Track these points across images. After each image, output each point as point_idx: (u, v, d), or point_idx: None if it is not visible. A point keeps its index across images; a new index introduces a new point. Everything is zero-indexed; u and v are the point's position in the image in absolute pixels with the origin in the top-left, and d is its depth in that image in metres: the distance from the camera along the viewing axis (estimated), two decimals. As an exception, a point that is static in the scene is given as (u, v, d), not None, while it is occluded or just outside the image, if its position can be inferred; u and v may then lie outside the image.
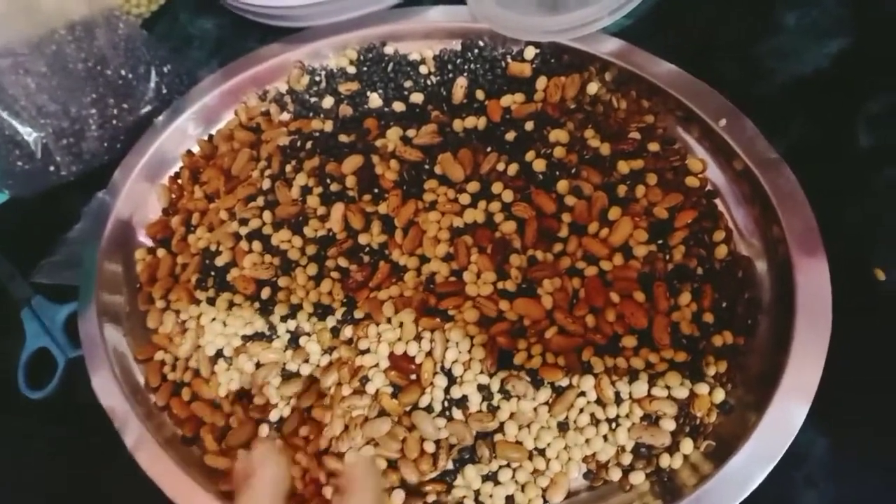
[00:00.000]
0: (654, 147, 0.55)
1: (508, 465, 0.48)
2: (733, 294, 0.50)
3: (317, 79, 0.66)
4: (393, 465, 0.49)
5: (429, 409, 0.49)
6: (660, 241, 0.51)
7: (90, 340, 0.56)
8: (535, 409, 0.48)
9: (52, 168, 0.65)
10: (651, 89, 0.56)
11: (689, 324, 0.48)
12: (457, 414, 0.49)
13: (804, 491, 0.47)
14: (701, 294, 0.49)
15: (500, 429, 0.48)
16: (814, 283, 0.47)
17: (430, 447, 0.48)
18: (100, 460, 0.55)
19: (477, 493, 0.48)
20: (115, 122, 0.67)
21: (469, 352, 0.49)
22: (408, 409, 0.49)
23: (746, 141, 0.52)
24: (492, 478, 0.48)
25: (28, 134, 0.63)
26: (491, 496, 0.48)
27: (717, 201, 0.54)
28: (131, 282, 0.62)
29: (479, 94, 0.61)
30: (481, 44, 0.63)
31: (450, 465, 0.48)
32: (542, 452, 0.48)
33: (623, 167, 0.53)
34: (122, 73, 0.66)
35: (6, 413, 0.62)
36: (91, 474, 0.57)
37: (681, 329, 0.48)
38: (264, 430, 0.52)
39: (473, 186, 0.54)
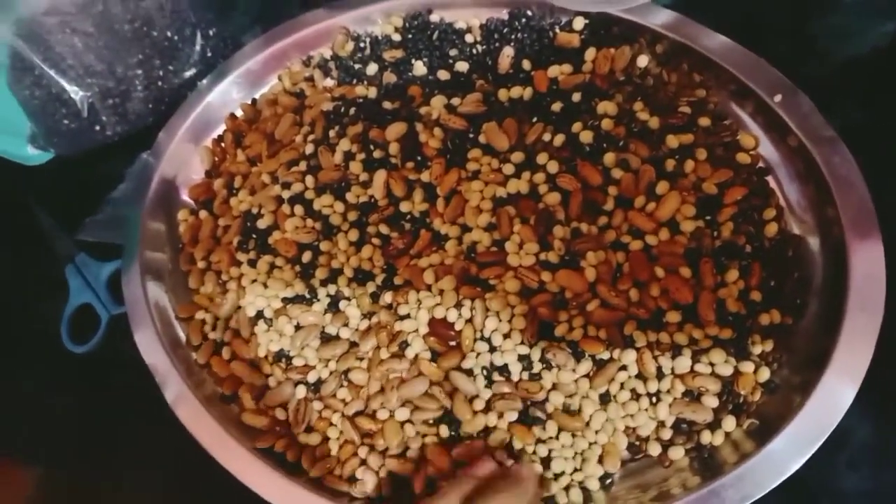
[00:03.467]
0: (704, 122, 0.54)
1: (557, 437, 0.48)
2: (782, 273, 0.49)
3: (361, 45, 0.66)
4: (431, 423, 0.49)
5: (469, 373, 0.49)
6: (708, 217, 0.50)
7: (133, 298, 0.57)
8: (575, 381, 0.48)
9: (97, 127, 0.66)
10: (703, 63, 0.55)
11: (736, 301, 0.47)
12: (498, 380, 0.48)
13: (846, 475, 0.47)
14: (749, 272, 0.48)
15: (547, 400, 0.48)
16: (867, 265, 0.46)
17: (479, 405, 0.48)
18: (140, 415, 0.56)
19: (532, 454, 0.48)
20: (159, 83, 0.67)
21: (509, 321, 0.49)
22: (446, 374, 0.49)
23: (802, 117, 0.51)
24: (546, 443, 0.48)
25: (74, 93, 0.64)
26: (549, 461, 0.48)
27: (769, 178, 0.53)
28: (174, 241, 0.62)
29: (526, 64, 0.60)
30: (529, 13, 0.62)
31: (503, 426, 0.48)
32: (587, 424, 0.48)
33: (672, 141, 0.52)
34: (168, 34, 0.66)
35: (50, 366, 0.63)
36: (131, 428, 0.58)
37: (727, 306, 0.47)
38: (301, 391, 0.52)
39: (518, 156, 0.54)
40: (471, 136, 0.56)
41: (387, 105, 0.60)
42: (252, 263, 0.57)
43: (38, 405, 0.62)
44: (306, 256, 0.55)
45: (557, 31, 0.61)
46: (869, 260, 0.46)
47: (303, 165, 0.58)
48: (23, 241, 0.69)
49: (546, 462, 0.48)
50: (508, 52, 0.60)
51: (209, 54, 0.69)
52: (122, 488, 0.58)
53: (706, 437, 0.46)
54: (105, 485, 0.58)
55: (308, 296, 0.55)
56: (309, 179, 0.57)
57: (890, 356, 0.43)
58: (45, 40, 0.62)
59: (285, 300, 0.55)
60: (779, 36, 0.59)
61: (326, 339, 0.53)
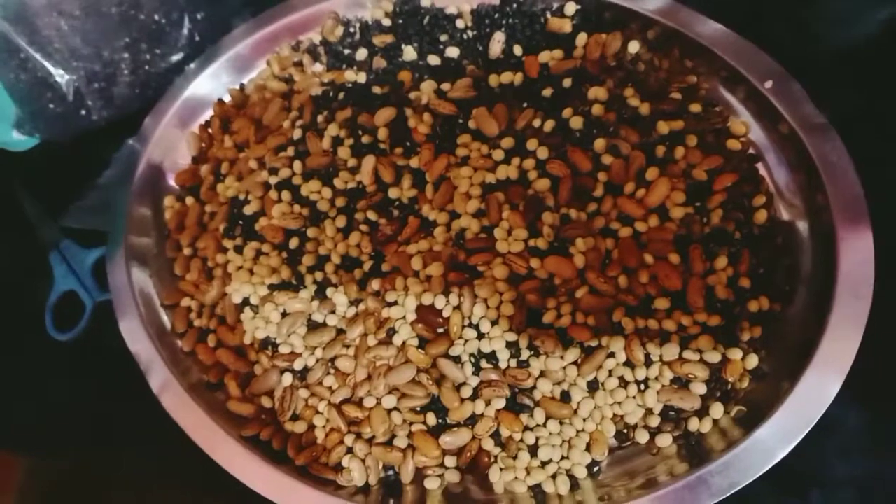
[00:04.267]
0: (695, 108, 0.53)
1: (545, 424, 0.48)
2: (772, 260, 0.49)
3: (351, 30, 0.65)
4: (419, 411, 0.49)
5: (456, 360, 0.48)
6: (697, 204, 0.49)
7: (118, 285, 0.56)
8: (563, 369, 0.47)
9: (83, 112, 0.65)
10: (695, 49, 0.55)
11: (725, 288, 0.47)
12: (485, 368, 0.48)
13: (834, 462, 0.47)
14: (738, 258, 0.48)
15: (535, 387, 0.48)
16: (857, 252, 0.45)
17: (466, 392, 0.48)
18: (124, 403, 0.55)
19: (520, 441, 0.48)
20: (147, 67, 0.66)
21: (497, 308, 0.49)
22: (434, 361, 0.49)
23: (793, 104, 0.50)
24: (533, 431, 0.48)
25: (60, 76, 0.63)
26: (537, 449, 0.47)
27: (760, 165, 0.52)
28: (160, 227, 0.61)
29: (517, 50, 0.59)
30: (520, -1, 0.61)
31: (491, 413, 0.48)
32: (574, 412, 0.47)
33: (662, 127, 0.51)
34: (156, 18, 0.66)
35: (35, 354, 0.63)
36: (115, 416, 0.57)
37: (716, 293, 0.47)
38: (287, 378, 0.52)
39: (507, 142, 0.53)
40: (460, 121, 0.55)
41: (376, 90, 0.59)
42: (238, 250, 0.56)
43: (23, 393, 0.61)
44: (293, 243, 0.55)
45: (549, 16, 0.60)
46: (858, 247, 0.45)
47: (290, 151, 0.58)
48: (7, 227, 0.68)
49: (533, 450, 0.47)
50: (499, 37, 0.60)
51: (197, 38, 0.69)
52: (111, 474, 0.57)
53: (694, 424, 0.46)
54: (95, 472, 0.58)
55: (295, 282, 0.54)
56: (297, 165, 0.56)
57: (878, 343, 0.43)
58: (32, 23, 0.61)
59: (272, 287, 0.54)
60: (772, 22, 0.58)
61: (313, 327, 0.53)
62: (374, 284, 0.51)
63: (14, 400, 0.61)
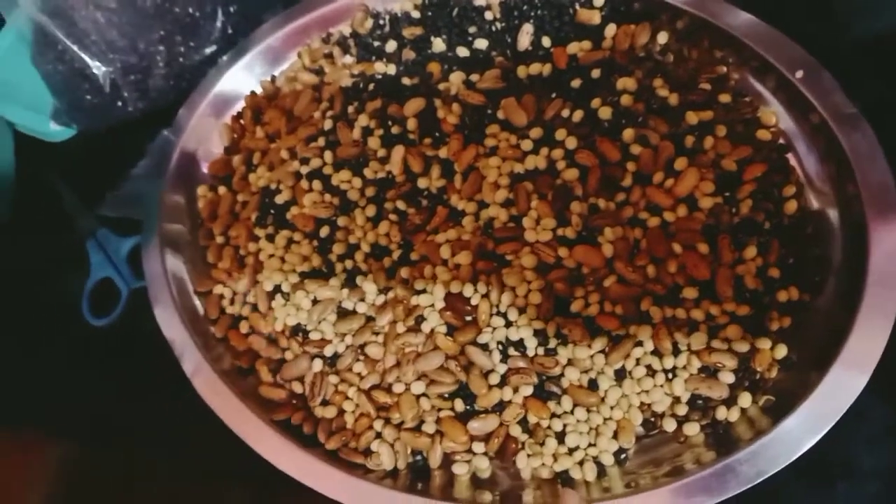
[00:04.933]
0: (724, 98, 0.53)
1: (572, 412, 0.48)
2: (801, 250, 0.49)
3: (381, 22, 0.66)
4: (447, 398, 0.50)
5: (484, 348, 0.49)
6: (726, 194, 0.49)
7: (153, 272, 0.57)
8: (591, 357, 0.48)
9: (119, 103, 0.67)
10: (724, 39, 0.55)
11: (754, 278, 0.47)
12: (513, 355, 0.49)
13: (862, 452, 0.46)
14: (767, 249, 0.48)
15: (562, 375, 0.48)
16: (887, 243, 0.45)
17: (494, 380, 0.48)
18: (159, 387, 0.56)
19: (547, 428, 0.48)
20: (181, 59, 0.67)
21: (525, 297, 0.49)
22: (462, 348, 0.49)
23: (824, 94, 0.50)
24: (561, 418, 0.48)
25: (97, 68, 0.64)
26: (564, 436, 0.48)
27: (789, 155, 0.52)
28: (193, 216, 0.63)
29: (546, 41, 0.60)
30: (549, -10, 0.62)
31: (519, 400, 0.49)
32: (602, 400, 0.48)
33: (692, 118, 0.51)
34: (190, 11, 0.67)
35: (72, 340, 0.64)
36: (149, 400, 0.59)
37: (745, 283, 0.47)
38: (318, 364, 0.52)
39: (536, 132, 0.53)
40: (489, 112, 0.56)
41: (405, 81, 0.60)
42: (270, 238, 0.57)
43: (60, 378, 0.63)
44: (324, 231, 0.56)
45: (577, 7, 0.60)
46: (889, 238, 0.45)
47: (321, 141, 0.59)
48: (45, 216, 0.70)
49: (560, 436, 0.48)
50: (528, 29, 0.60)
51: (230, 31, 0.69)
52: (142, 460, 0.59)
53: (721, 413, 0.46)
54: (127, 457, 0.59)
55: (325, 271, 0.55)
56: (327, 155, 0.57)
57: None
58: (69, 16, 0.63)
59: (302, 275, 0.55)
60: (801, 11, 0.58)
61: (343, 314, 0.54)
62: (403, 273, 0.52)
63: (51, 385, 0.63)
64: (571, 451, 0.48)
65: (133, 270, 0.64)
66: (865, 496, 0.48)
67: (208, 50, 0.69)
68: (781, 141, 0.53)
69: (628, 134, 0.51)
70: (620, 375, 0.48)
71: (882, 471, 0.48)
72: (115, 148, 0.69)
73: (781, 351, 0.46)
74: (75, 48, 0.63)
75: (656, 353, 0.47)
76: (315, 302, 0.54)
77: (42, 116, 0.69)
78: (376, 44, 0.65)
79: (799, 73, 0.51)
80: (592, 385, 0.48)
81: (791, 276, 0.48)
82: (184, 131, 0.63)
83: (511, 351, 0.49)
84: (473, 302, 0.50)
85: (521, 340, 0.49)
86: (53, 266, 0.69)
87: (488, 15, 0.62)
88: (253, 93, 0.66)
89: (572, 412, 0.48)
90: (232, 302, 0.58)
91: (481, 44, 0.61)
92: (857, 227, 0.47)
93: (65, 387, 0.62)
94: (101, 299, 0.64)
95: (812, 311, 0.48)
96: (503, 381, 0.49)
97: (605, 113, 0.53)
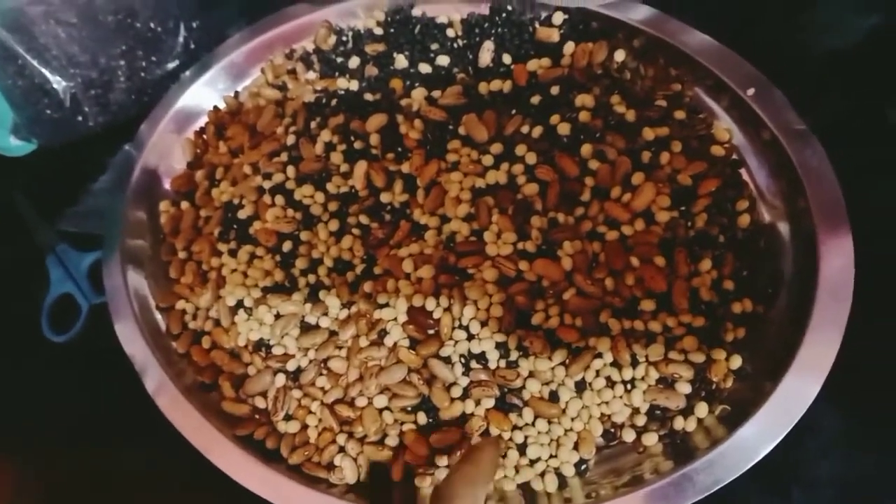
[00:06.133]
0: (680, 115, 0.55)
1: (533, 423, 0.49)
2: (755, 263, 0.50)
3: (343, 39, 0.66)
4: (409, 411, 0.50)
5: (447, 361, 0.49)
6: (682, 208, 0.50)
7: (114, 288, 0.57)
8: (552, 369, 0.48)
9: (79, 118, 0.66)
10: (680, 57, 0.56)
11: (709, 290, 0.48)
12: (475, 368, 0.49)
13: (815, 460, 0.48)
14: (722, 261, 0.49)
15: (523, 387, 0.49)
16: (837, 256, 0.47)
17: (456, 392, 0.49)
18: (119, 405, 0.56)
19: (509, 440, 0.49)
20: (142, 74, 0.67)
21: (487, 310, 0.50)
22: (424, 361, 0.50)
23: (775, 111, 0.52)
24: (522, 430, 0.49)
25: (57, 83, 0.64)
26: (525, 448, 0.48)
27: (742, 171, 0.54)
28: (155, 231, 0.62)
29: (506, 59, 0.61)
30: (509, 8, 0.62)
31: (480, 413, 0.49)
32: (563, 411, 0.48)
33: (648, 134, 0.53)
34: (152, 26, 0.67)
35: (30, 356, 0.63)
36: (110, 418, 0.58)
37: (700, 295, 0.48)
38: (280, 379, 0.52)
39: (497, 148, 0.54)
40: (451, 127, 0.57)
41: (368, 97, 0.60)
42: (232, 253, 0.57)
43: (18, 395, 0.62)
44: (286, 246, 0.56)
45: (537, 25, 0.62)
46: (838, 251, 0.47)
47: (284, 156, 0.59)
48: (4, 231, 0.69)
49: (522, 448, 0.48)
50: (489, 46, 0.61)
51: (192, 46, 0.70)
52: (106, 475, 0.58)
53: (679, 423, 0.47)
54: (89, 473, 0.58)
55: (288, 285, 0.55)
56: (290, 170, 0.57)
57: (858, 344, 0.44)
58: (29, 30, 0.62)
59: (265, 290, 0.55)
60: (758, 29, 0.59)
61: (306, 328, 0.54)
62: (366, 287, 0.52)
63: (9, 402, 0.61)
64: (533, 463, 0.48)
65: (93, 286, 0.64)
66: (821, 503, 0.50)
67: (170, 65, 0.69)
68: (735, 156, 0.54)
69: (586, 149, 0.52)
70: (581, 387, 0.48)
71: (836, 478, 0.49)
72: (76, 163, 0.69)
73: (736, 361, 0.47)
74: (35, 63, 0.63)
75: (615, 364, 0.48)
76: (278, 316, 0.54)
77: (2, 131, 0.68)
78: (339, 60, 0.65)
79: (750, 91, 0.52)
80: (553, 397, 0.49)
81: (745, 289, 0.49)
82: (145, 146, 0.63)
83: (473, 364, 0.49)
84: (436, 315, 0.50)
85: (483, 353, 0.49)
86: (12, 281, 0.68)
87: (450, 32, 0.63)
88: (216, 108, 0.66)
89: (533, 424, 0.48)
90: (194, 317, 0.57)
91: (443, 60, 0.62)
92: (808, 240, 0.48)
93: (23, 403, 0.61)
94: (61, 315, 0.63)
95: (765, 322, 0.49)
96: (465, 394, 0.49)
97: (564, 129, 0.54)
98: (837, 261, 0.47)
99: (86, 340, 0.62)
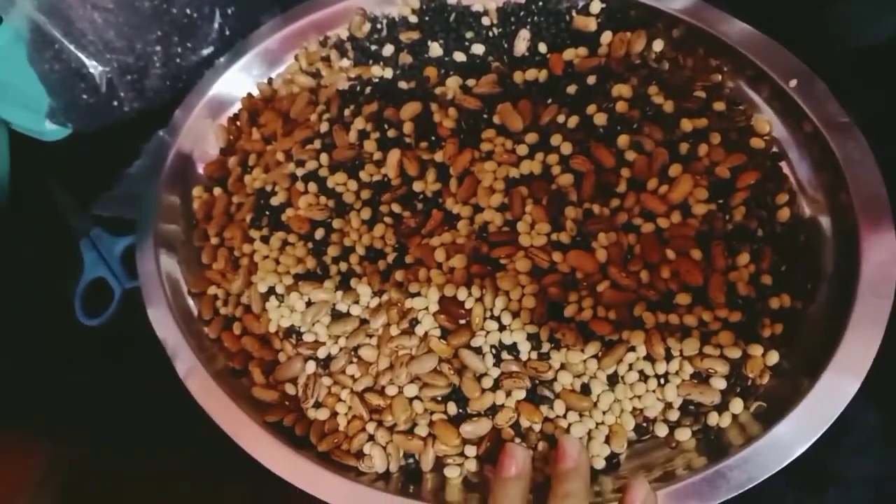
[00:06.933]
0: (719, 106, 0.54)
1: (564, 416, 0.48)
2: (794, 258, 0.49)
3: (378, 27, 0.66)
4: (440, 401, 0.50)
5: (478, 351, 0.49)
6: (720, 201, 0.50)
7: (147, 272, 0.57)
8: (584, 362, 0.48)
9: (115, 103, 0.67)
10: (720, 47, 0.55)
11: (746, 285, 0.47)
12: (506, 359, 0.49)
13: (852, 459, 0.47)
14: (760, 256, 0.48)
15: (555, 379, 0.48)
16: (879, 251, 0.45)
17: (487, 383, 0.48)
18: (150, 387, 0.56)
19: (539, 432, 0.48)
20: (178, 60, 0.67)
21: (519, 301, 0.49)
22: (455, 351, 0.49)
23: (817, 103, 0.50)
24: (553, 422, 0.48)
25: (94, 68, 0.64)
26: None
27: (783, 163, 0.53)
28: (188, 217, 0.63)
29: (542, 47, 0.60)
30: (546, -4, 0.62)
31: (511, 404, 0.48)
32: (594, 404, 0.48)
33: (686, 125, 0.52)
34: (187, 12, 0.67)
35: (64, 340, 0.64)
36: (142, 400, 0.59)
37: (737, 289, 0.47)
38: (311, 366, 0.52)
39: (532, 137, 0.54)
40: (485, 116, 0.56)
41: (402, 85, 0.60)
42: (265, 240, 0.57)
43: (51, 378, 0.63)
44: (319, 233, 0.56)
45: (574, 14, 0.61)
46: (880, 246, 0.46)
47: (317, 143, 0.59)
48: (39, 215, 0.70)
49: (553, 441, 0.48)
50: (525, 34, 0.60)
51: (227, 33, 0.70)
52: (134, 459, 0.58)
53: (713, 418, 0.46)
54: (119, 456, 0.59)
55: (319, 273, 0.55)
56: (323, 157, 0.57)
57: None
58: (66, 15, 0.63)
59: (297, 277, 0.55)
60: (795, 22, 0.58)
61: (337, 316, 0.54)
62: (398, 276, 0.52)
63: (43, 385, 0.62)
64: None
65: (126, 270, 0.64)
66: (857, 503, 0.49)
67: (205, 51, 0.69)
68: (775, 149, 0.53)
69: (623, 140, 0.51)
70: (613, 380, 0.48)
71: (873, 477, 0.48)
72: (111, 148, 0.69)
73: (773, 357, 0.46)
74: (72, 47, 0.63)
75: (649, 358, 0.47)
76: (309, 304, 0.54)
77: (38, 116, 0.69)
78: (373, 47, 0.65)
79: (793, 82, 0.51)
80: (585, 389, 0.48)
81: (783, 284, 0.48)
82: (180, 132, 0.63)
83: (504, 355, 0.49)
84: (467, 305, 0.50)
85: (515, 344, 0.49)
86: (47, 265, 0.69)
87: (485, 20, 0.63)
88: (250, 95, 0.67)
89: (564, 416, 0.48)
90: (226, 303, 0.57)
91: (478, 49, 0.61)
92: (850, 235, 0.47)
93: (56, 387, 0.62)
94: (94, 299, 0.64)
95: (804, 318, 0.48)
96: (496, 385, 0.49)
97: (601, 119, 0.53)
98: (879, 256, 0.45)
99: (118, 324, 0.63)
